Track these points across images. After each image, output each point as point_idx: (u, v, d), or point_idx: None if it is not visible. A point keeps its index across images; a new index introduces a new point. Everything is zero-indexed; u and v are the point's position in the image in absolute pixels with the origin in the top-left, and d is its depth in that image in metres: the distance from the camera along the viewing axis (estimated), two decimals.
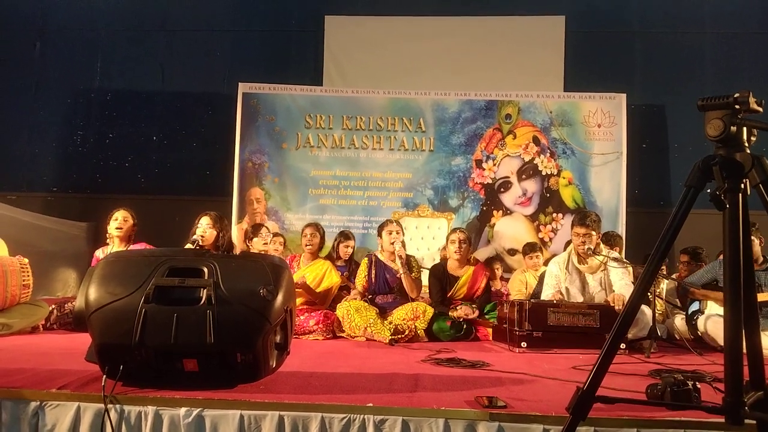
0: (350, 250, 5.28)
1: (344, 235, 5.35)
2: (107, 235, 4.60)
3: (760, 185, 1.21)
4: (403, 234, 4.73)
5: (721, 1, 7.05)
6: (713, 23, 7.06)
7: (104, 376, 2.17)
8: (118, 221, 4.51)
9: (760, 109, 1.25)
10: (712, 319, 4.02)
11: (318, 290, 4.66)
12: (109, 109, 7.38)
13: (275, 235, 5.53)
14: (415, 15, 7.15)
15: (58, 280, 6.06)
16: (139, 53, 7.43)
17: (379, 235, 4.75)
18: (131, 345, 2.13)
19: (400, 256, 4.47)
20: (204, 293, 2.23)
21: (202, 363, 2.25)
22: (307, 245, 4.86)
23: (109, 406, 2.11)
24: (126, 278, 2.23)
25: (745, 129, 1.24)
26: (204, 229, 4.33)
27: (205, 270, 2.30)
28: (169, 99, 7.34)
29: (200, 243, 4.21)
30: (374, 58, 7.14)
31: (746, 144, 1.24)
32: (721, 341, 3.81)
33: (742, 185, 1.25)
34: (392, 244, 4.55)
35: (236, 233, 6.50)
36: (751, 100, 1.23)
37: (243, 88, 6.73)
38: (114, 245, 4.48)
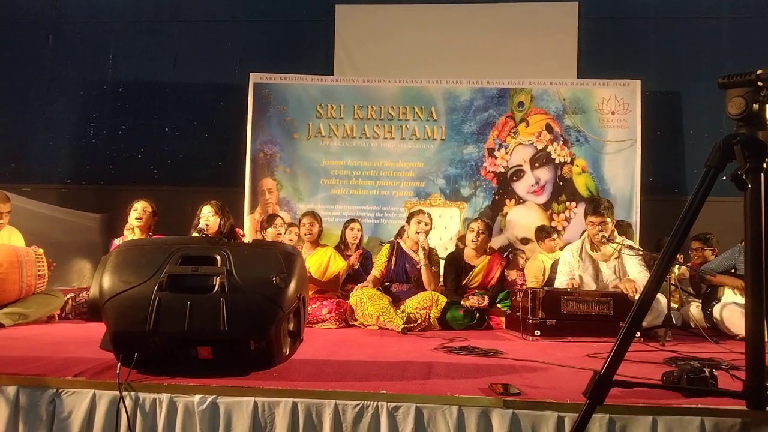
0: (357, 233, 5.26)
1: (350, 221, 5.35)
2: (126, 225, 4.62)
3: None
4: (431, 227, 4.70)
5: None
6: (729, 7, 6.94)
7: (119, 363, 2.18)
8: (138, 212, 4.54)
9: None
10: (729, 307, 3.97)
11: (324, 279, 4.66)
12: (122, 100, 7.42)
13: (290, 225, 5.53)
14: (427, 3, 7.10)
15: (73, 271, 6.12)
16: (151, 44, 7.44)
17: (408, 221, 4.72)
18: (145, 333, 2.14)
19: (423, 248, 4.46)
20: (217, 281, 2.23)
21: (215, 350, 2.26)
22: (306, 234, 4.84)
23: (124, 393, 2.12)
24: (139, 267, 2.24)
25: (767, 107, 1.21)
26: (207, 217, 4.34)
27: (218, 258, 2.31)
28: (181, 90, 7.36)
29: (206, 232, 4.22)
30: (385, 47, 7.09)
31: None
32: (736, 329, 3.83)
33: (765, 165, 1.22)
34: (417, 234, 4.52)
35: (248, 224, 6.53)
36: None
37: (254, 78, 6.72)
38: (134, 236, 4.51)
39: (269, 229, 4.94)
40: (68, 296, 4.34)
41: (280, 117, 6.72)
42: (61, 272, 5.62)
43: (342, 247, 5.28)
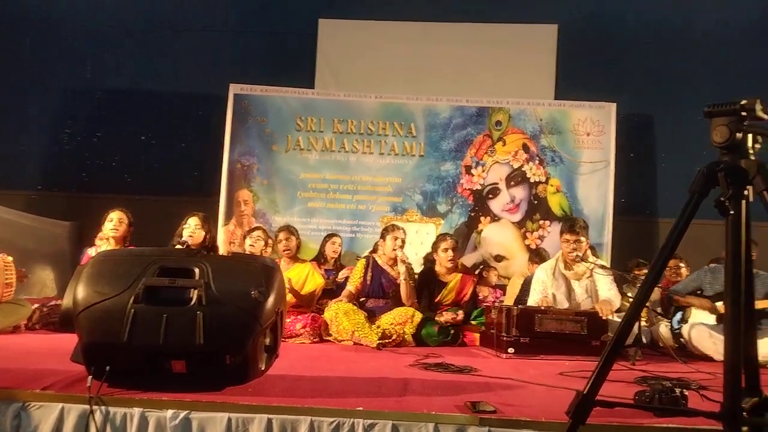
0: (338, 248, 5.26)
1: (330, 235, 5.34)
2: (100, 235, 4.53)
3: (764, 192, 1.22)
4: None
5: (714, 14, 7.12)
6: (705, 35, 7.12)
7: (90, 376, 2.13)
8: (114, 222, 4.45)
9: (766, 117, 1.26)
10: (696, 327, 4.05)
11: (302, 293, 4.62)
12: (98, 107, 7.32)
13: (256, 229, 5.47)
14: (409, 20, 7.16)
15: (36, 281, 5.96)
16: (130, 52, 7.37)
17: (383, 238, 4.70)
18: (119, 345, 2.11)
19: (404, 261, 4.46)
20: (195, 294, 2.21)
21: (190, 364, 2.23)
22: (284, 250, 4.77)
23: (94, 407, 2.08)
24: (115, 278, 2.21)
25: (750, 136, 1.24)
26: (193, 230, 4.29)
27: (196, 270, 2.29)
28: (159, 98, 7.29)
29: (189, 244, 4.17)
30: (367, 62, 7.14)
31: (751, 151, 1.25)
32: (704, 350, 3.91)
33: (746, 192, 1.25)
34: (395, 250, 4.52)
35: (222, 235, 6.46)
36: (758, 107, 1.24)
37: (234, 89, 6.69)
38: (108, 246, 4.42)
39: (246, 239, 4.86)
40: (35, 306, 4.23)
41: (260, 128, 6.69)
42: (25, 281, 5.47)
43: (321, 261, 5.25)
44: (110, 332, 2.11)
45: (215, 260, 2.41)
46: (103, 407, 2.09)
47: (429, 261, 4.90)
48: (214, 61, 7.34)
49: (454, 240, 4.76)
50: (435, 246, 4.76)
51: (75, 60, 7.37)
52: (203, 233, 4.33)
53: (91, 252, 4.47)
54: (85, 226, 5.52)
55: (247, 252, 4.77)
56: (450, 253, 4.60)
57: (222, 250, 5.88)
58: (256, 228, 5.15)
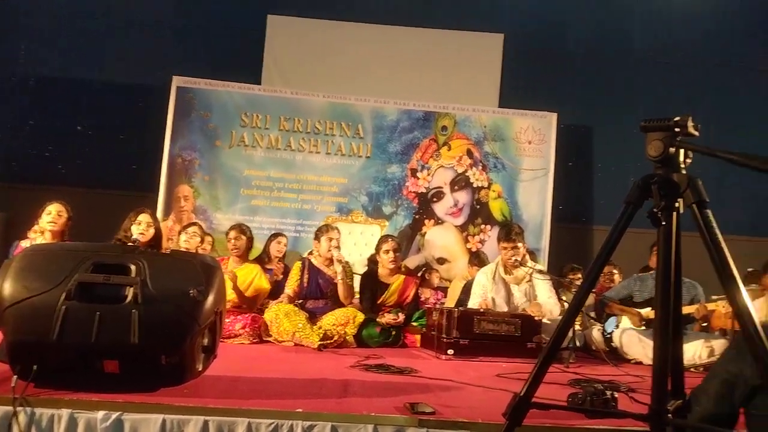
0: (282, 248, 5.21)
1: (276, 234, 5.28)
2: (34, 228, 4.31)
3: (694, 205, 1.28)
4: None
5: (652, 32, 7.45)
6: (642, 51, 7.45)
7: (15, 376, 2.03)
8: (52, 215, 4.22)
9: (697, 134, 1.33)
10: (627, 332, 4.24)
11: (246, 295, 4.54)
12: (32, 94, 6.97)
13: (205, 234, 5.36)
14: (358, 21, 7.16)
15: None
16: (69, 38, 7.05)
17: (317, 239, 4.68)
18: (48, 344, 2.02)
19: (340, 261, 4.44)
20: (130, 291, 2.15)
21: (123, 364, 2.16)
22: (232, 249, 4.71)
23: (18, 408, 1.98)
24: (46, 273, 2.11)
25: (682, 151, 1.31)
26: (144, 227, 4.13)
27: (133, 267, 2.22)
28: (98, 88, 7.01)
29: (140, 242, 4.00)
30: (315, 60, 7.09)
31: (683, 165, 1.32)
32: (633, 354, 4.09)
33: (677, 204, 1.32)
34: (330, 250, 4.50)
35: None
36: (689, 124, 1.31)
37: (178, 81, 6.52)
38: (43, 240, 4.20)
39: (182, 235, 4.73)
40: None
41: (203, 123, 6.54)
42: None
43: (265, 260, 5.17)
44: (39, 330, 2.02)
45: (153, 257, 2.34)
46: (28, 408, 2.00)
47: (372, 262, 4.92)
48: (158, 52, 7.11)
49: (396, 242, 4.79)
50: (378, 247, 4.78)
51: (8, 45, 7.00)
52: (153, 231, 4.19)
53: (25, 245, 4.25)
54: (15, 218, 5.25)
55: (181, 248, 4.63)
56: (392, 254, 4.63)
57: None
58: (192, 224, 5.01)
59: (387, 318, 4.40)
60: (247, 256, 4.81)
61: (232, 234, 4.74)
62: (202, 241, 4.84)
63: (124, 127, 6.96)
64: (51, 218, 4.22)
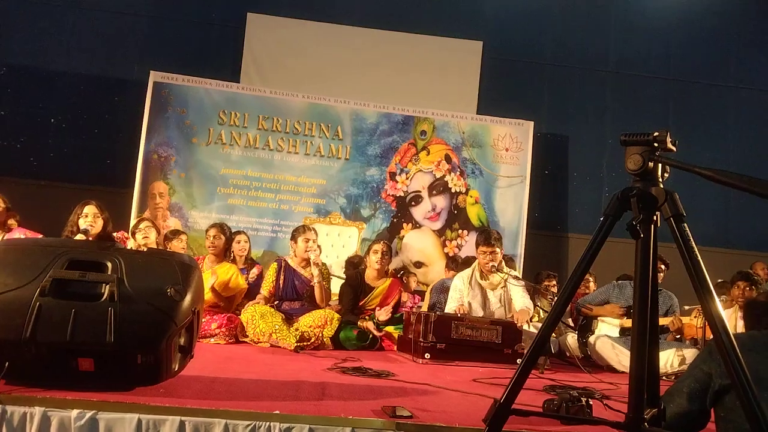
0: (244, 246, 5.10)
1: (236, 233, 5.19)
2: None
3: (671, 218, 1.31)
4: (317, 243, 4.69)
5: (625, 45, 7.62)
6: (616, 63, 7.61)
7: None
8: None
9: (674, 149, 1.36)
10: (601, 339, 4.30)
11: (223, 294, 4.50)
12: (4, 84, 6.81)
13: (177, 232, 5.27)
14: (339, 23, 7.16)
15: None
16: (45, 27, 6.91)
17: (294, 239, 4.66)
18: (20, 341, 1.98)
19: (317, 264, 4.43)
20: (106, 289, 2.11)
21: (98, 363, 2.13)
22: (210, 247, 4.66)
23: None
24: (20, 268, 2.07)
25: (660, 166, 1.34)
26: (91, 219, 4.00)
27: (109, 264, 2.19)
28: (74, 80, 6.88)
29: (90, 235, 3.91)
30: (295, 60, 7.07)
31: (660, 179, 1.35)
32: (608, 360, 4.15)
33: (655, 217, 1.35)
34: (307, 252, 4.49)
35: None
36: (668, 139, 1.34)
37: (155, 76, 6.43)
38: None
39: (136, 234, 4.59)
40: None
41: (179, 119, 6.47)
42: None
43: (232, 260, 5.11)
44: (11, 326, 1.98)
45: (130, 255, 2.31)
46: None
47: (351, 264, 4.91)
48: (136, 46, 7.03)
49: (386, 244, 4.80)
50: (369, 247, 4.80)
51: None
52: (102, 221, 4.06)
53: None
54: None
55: (141, 245, 4.52)
56: (379, 255, 4.63)
57: (132, 243, 5.59)
58: (141, 220, 4.83)
59: (369, 325, 4.38)
60: (224, 256, 4.76)
61: (212, 232, 4.70)
62: (158, 234, 4.73)
63: (99, 121, 6.86)
64: None
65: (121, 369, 2.17)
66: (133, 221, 6.19)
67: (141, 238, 4.50)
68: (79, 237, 3.84)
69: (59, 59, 6.91)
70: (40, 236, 4.06)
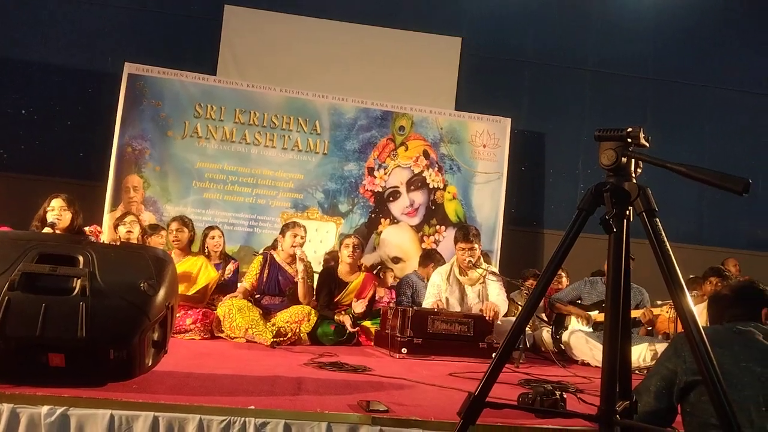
0: (219, 241, 5.01)
1: (209, 228, 5.12)
2: None
3: (644, 213, 1.33)
4: (306, 240, 4.64)
5: (602, 45, 7.69)
6: (594, 62, 7.68)
7: None
8: None
9: (648, 144, 1.38)
10: (575, 333, 4.35)
11: (191, 292, 4.37)
12: None
13: (157, 227, 5.19)
14: (318, 17, 7.12)
15: None
16: (18, 17, 6.74)
17: (282, 234, 4.62)
18: None
19: (302, 260, 4.39)
20: (78, 283, 2.09)
21: (69, 358, 2.10)
22: (174, 241, 4.56)
23: None
24: None
25: (633, 161, 1.36)
26: (58, 212, 3.91)
27: (81, 258, 2.16)
28: (47, 71, 6.74)
29: (57, 228, 3.82)
30: (272, 54, 7.01)
31: (633, 175, 1.37)
32: (581, 355, 4.21)
33: (628, 212, 1.37)
34: (293, 247, 4.46)
35: (108, 221, 6.09)
36: (641, 135, 1.36)
37: (129, 68, 6.33)
38: None
39: (120, 227, 4.52)
40: None
41: (155, 112, 6.38)
42: None
43: (206, 255, 5.06)
44: None
45: (102, 249, 2.28)
46: None
47: (327, 260, 4.88)
48: (110, 37, 6.90)
49: (358, 239, 4.79)
50: (341, 242, 4.78)
51: None
52: (70, 215, 3.97)
53: None
54: None
55: (124, 239, 4.47)
56: (351, 249, 4.60)
57: (106, 237, 5.51)
58: (126, 213, 4.76)
59: (346, 320, 4.37)
60: (189, 249, 4.69)
61: (174, 226, 4.59)
62: (142, 231, 4.67)
63: (72, 113, 6.73)
64: None
65: (93, 364, 2.15)
66: (106, 215, 6.13)
67: (125, 231, 4.43)
68: (46, 230, 3.76)
69: (33, 50, 6.75)
70: (9, 230, 3.97)
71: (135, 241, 4.44)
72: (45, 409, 1.93)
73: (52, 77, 6.75)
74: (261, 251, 4.85)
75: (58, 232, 3.79)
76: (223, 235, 5.15)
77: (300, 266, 4.39)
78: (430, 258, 5.48)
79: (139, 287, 2.16)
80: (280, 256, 4.58)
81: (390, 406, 2.22)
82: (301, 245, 4.50)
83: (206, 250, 4.96)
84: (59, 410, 1.94)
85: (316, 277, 4.79)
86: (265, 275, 4.49)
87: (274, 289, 4.49)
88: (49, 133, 6.66)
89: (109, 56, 6.75)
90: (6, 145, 6.59)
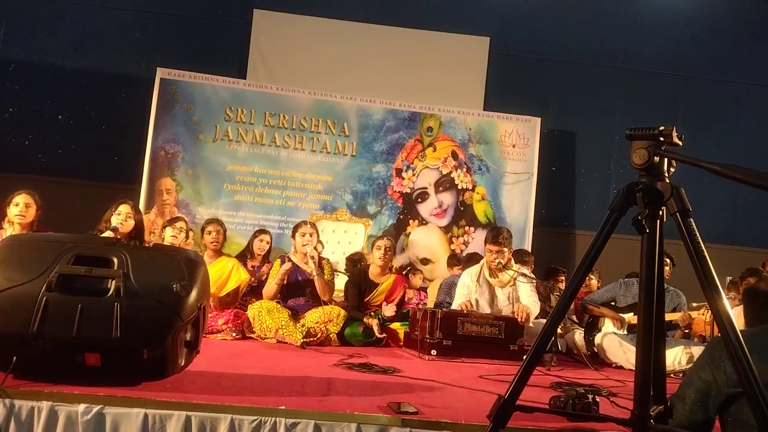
0: (266, 246, 5.14)
1: (260, 231, 5.24)
2: (5, 218, 4.21)
3: (677, 213, 1.30)
4: (318, 236, 4.68)
5: (632, 41, 7.55)
6: (623, 59, 7.55)
7: None
8: (20, 207, 4.10)
9: (680, 143, 1.35)
10: (608, 336, 4.27)
11: (222, 293, 4.41)
12: (12, 81, 6.85)
13: (189, 230, 5.28)
14: (345, 19, 7.15)
15: None
16: (53, 24, 6.94)
17: (293, 236, 4.67)
18: (27, 335, 1.99)
19: (312, 257, 4.42)
20: (112, 284, 2.13)
21: (105, 358, 2.14)
22: (212, 242, 4.65)
23: None
24: (26, 264, 2.08)
25: (666, 160, 1.33)
26: (124, 217, 4.05)
27: (115, 260, 2.20)
28: (81, 77, 6.91)
29: (119, 232, 3.94)
30: (301, 57, 7.07)
31: (666, 174, 1.34)
32: (614, 358, 4.12)
33: (661, 212, 1.34)
34: (304, 246, 4.49)
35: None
36: (674, 134, 1.33)
37: (161, 73, 6.46)
38: (13, 231, 4.11)
39: (167, 228, 4.64)
40: None
41: (186, 116, 6.49)
42: None
43: (247, 256, 5.13)
44: (18, 321, 1.99)
45: (135, 251, 2.32)
46: (7, 400, 1.96)
47: (351, 261, 4.88)
48: (143, 43, 7.05)
49: (390, 240, 4.78)
50: (372, 243, 4.80)
51: None
52: (133, 222, 4.12)
53: None
54: None
55: (168, 243, 4.58)
56: (382, 251, 4.61)
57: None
58: (178, 218, 4.91)
59: (373, 324, 4.37)
60: (222, 251, 4.76)
61: (212, 228, 4.68)
62: (187, 237, 4.79)
63: (106, 118, 6.89)
64: (19, 210, 4.08)
65: (127, 364, 2.19)
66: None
67: (170, 236, 4.54)
68: (108, 234, 3.88)
69: (67, 56, 6.93)
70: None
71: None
72: (82, 407, 1.98)
73: (87, 83, 6.91)
74: (279, 256, 4.90)
75: (118, 236, 3.88)
76: (271, 240, 5.24)
77: (311, 263, 4.41)
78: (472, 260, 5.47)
79: (171, 288, 2.18)
80: (297, 257, 4.61)
81: (420, 408, 2.21)
82: (311, 243, 4.51)
83: (251, 252, 5.07)
84: (95, 408, 1.98)
85: (339, 276, 4.78)
86: (286, 277, 4.52)
87: (295, 290, 4.52)
88: (84, 137, 6.82)
89: (142, 61, 6.89)
90: (44, 150, 6.78)
